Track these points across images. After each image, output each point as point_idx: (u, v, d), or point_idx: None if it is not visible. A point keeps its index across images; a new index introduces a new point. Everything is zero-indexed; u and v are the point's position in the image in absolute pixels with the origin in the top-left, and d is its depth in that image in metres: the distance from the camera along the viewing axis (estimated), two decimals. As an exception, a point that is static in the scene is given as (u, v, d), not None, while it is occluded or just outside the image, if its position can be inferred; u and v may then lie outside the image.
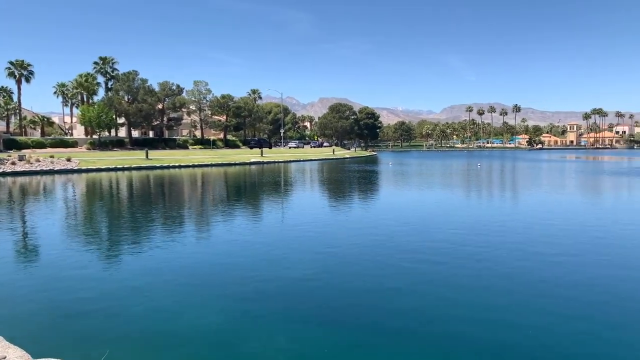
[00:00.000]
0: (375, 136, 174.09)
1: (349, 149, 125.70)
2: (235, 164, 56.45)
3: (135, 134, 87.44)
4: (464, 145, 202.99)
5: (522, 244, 12.85)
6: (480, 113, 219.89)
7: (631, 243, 13.24)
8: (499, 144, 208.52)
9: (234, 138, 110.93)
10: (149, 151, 58.59)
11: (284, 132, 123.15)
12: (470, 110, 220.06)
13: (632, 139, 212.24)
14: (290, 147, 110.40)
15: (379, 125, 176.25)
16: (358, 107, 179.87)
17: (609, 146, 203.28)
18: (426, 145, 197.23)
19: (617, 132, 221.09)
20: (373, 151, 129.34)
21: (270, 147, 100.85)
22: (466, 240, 13.38)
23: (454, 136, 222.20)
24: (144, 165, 48.77)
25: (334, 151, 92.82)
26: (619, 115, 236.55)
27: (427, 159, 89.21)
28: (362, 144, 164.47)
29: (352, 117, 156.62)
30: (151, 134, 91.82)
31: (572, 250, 12.19)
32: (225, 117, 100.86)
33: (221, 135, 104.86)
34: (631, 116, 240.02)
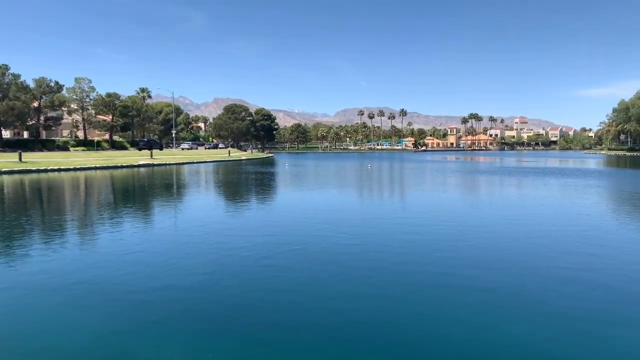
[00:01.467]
0: (271, 138, 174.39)
1: (246, 151, 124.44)
2: (122, 167, 53.05)
3: (7, 134, 78.71)
4: (357, 147, 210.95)
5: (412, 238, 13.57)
6: (371, 117, 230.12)
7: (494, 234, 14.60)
8: (387, 146, 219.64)
9: (121, 139, 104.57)
10: (23, 153, 53.04)
11: (176, 133, 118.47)
12: (362, 114, 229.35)
13: (503, 141, 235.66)
14: (183, 149, 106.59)
15: (276, 127, 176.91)
16: (254, 108, 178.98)
17: (484, 148, 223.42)
18: (321, 147, 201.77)
19: (490, 135, 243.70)
20: (270, 153, 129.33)
21: (161, 149, 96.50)
22: (357, 237, 13.80)
23: (347, 138, 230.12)
24: (17, 169, 43.97)
25: (229, 153, 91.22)
26: (492, 119, 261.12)
27: (322, 160, 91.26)
28: (259, 146, 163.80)
29: (248, 118, 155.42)
30: (26, 135, 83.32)
31: (454, 243, 13.12)
32: (111, 117, 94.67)
33: (107, 136, 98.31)
34: (502, 121, 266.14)
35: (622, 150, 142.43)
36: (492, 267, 10.77)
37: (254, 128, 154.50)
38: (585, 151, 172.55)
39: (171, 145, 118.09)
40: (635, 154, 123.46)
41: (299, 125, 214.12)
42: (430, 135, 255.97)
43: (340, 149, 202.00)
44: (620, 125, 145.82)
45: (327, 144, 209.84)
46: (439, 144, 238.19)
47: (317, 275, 10.14)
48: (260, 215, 19.10)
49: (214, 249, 12.45)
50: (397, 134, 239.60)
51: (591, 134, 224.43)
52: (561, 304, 8.25)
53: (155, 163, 58.32)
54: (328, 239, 13.81)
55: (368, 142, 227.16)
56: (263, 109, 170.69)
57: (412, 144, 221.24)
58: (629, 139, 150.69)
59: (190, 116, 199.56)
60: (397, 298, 8.68)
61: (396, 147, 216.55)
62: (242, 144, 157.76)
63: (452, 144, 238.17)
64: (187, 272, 10.29)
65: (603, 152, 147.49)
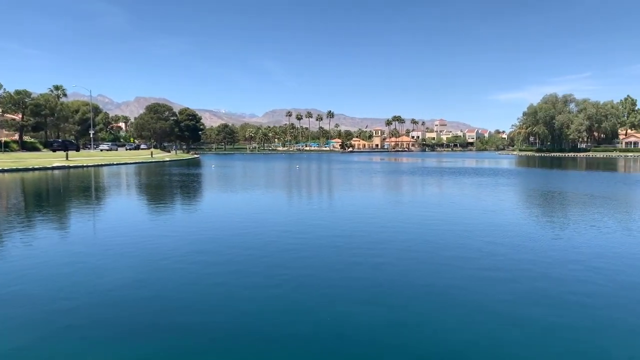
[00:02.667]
0: (197, 138, 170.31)
1: (169, 152, 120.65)
2: (34, 169, 49.63)
3: None
4: (285, 148, 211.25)
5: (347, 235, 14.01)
6: (299, 118, 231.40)
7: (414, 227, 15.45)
8: (316, 147, 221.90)
9: (32, 140, 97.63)
10: None
11: (94, 134, 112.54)
12: (290, 115, 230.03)
13: (424, 142, 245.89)
14: (102, 150, 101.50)
15: (201, 127, 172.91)
16: (178, 107, 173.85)
17: (407, 149, 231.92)
18: (249, 148, 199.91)
19: (412, 137, 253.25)
20: (195, 154, 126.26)
21: (77, 150, 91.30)
22: (288, 238, 14.03)
23: (276, 139, 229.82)
24: None
25: (152, 154, 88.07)
26: (414, 122, 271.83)
27: (250, 161, 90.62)
28: (184, 147, 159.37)
29: (172, 118, 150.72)
30: None
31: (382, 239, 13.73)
32: (21, 116, 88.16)
33: (16, 137, 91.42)
34: (423, 123, 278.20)
35: (531, 151, 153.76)
36: (403, 258, 11.44)
37: (179, 128, 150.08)
38: (499, 152, 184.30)
39: (89, 146, 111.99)
40: (543, 155, 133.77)
41: (226, 126, 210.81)
42: (357, 137, 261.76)
43: (269, 150, 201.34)
44: (529, 128, 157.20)
45: (255, 144, 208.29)
46: (364, 145, 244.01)
47: (243, 275, 10.24)
48: (183, 218, 18.77)
49: (134, 255, 12.15)
50: (325, 135, 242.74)
51: (504, 135, 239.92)
52: (471, 295, 8.98)
53: (71, 165, 55.10)
54: (259, 240, 13.92)
55: (297, 143, 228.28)
56: (188, 108, 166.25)
57: (340, 145, 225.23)
58: (537, 141, 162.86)
59: (110, 116, 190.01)
60: (332, 295, 9.01)
61: (324, 148, 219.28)
62: (165, 144, 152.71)
63: (377, 145, 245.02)
64: (104, 278, 10.00)
65: (515, 152, 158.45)
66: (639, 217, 18.59)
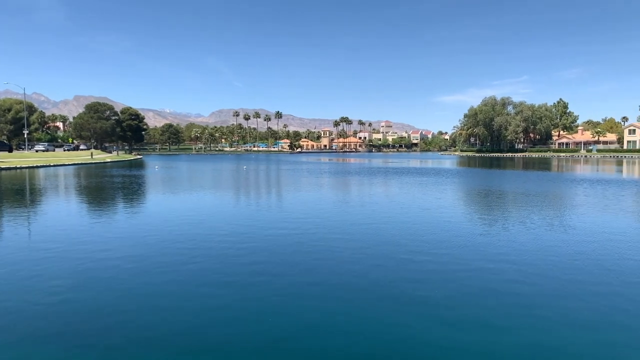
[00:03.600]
0: (140, 139, 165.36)
1: (111, 153, 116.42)
2: (-40, 171, 46.59)
3: None
4: (233, 149, 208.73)
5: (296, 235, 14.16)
6: (247, 118, 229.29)
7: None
8: (264, 148, 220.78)
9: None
10: None
11: (28, 134, 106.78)
12: (237, 115, 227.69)
13: (371, 143, 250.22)
14: (37, 151, 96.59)
15: (145, 127, 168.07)
16: (120, 107, 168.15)
17: (354, 150, 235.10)
18: (195, 148, 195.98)
19: (360, 138, 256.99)
20: (138, 155, 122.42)
21: (10, 151, 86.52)
22: (233, 241, 14.04)
23: (223, 140, 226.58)
24: None
25: (92, 155, 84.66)
26: (361, 123, 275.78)
27: (196, 162, 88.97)
28: (126, 147, 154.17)
29: (114, 117, 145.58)
30: None
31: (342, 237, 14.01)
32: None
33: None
34: (370, 124, 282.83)
35: (472, 151, 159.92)
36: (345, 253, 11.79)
37: (120, 128, 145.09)
38: (442, 152, 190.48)
39: (23, 147, 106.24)
40: (483, 155, 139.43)
41: (170, 126, 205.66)
42: (305, 138, 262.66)
43: (216, 150, 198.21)
44: (470, 129, 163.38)
45: (201, 145, 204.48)
46: (313, 145, 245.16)
47: (181, 275, 10.20)
48: (121, 222, 18.32)
49: (63, 260, 11.80)
50: (273, 136, 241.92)
51: (447, 136, 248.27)
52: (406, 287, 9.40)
53: (3, 167, 52.10)
54: (204, 245, 13.84)
55: (244, 143, 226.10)
56: (130, 108, 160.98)
57: (288, 145, 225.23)
58: (477, 142, 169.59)
59: (47, 115, 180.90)
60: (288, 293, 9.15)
61: (273, 149, 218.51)
62: (106, 145, 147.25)
63: (325, 146, 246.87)
64: (39, 285, 9.69)
65: (456, 153, 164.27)
66: (562, 214, 19.90)
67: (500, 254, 12.34)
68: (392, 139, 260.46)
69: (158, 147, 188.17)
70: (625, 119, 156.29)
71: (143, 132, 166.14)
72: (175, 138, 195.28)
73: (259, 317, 7.95)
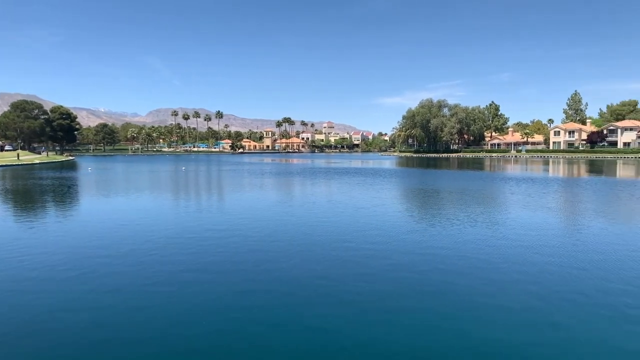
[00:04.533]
0: (72, 139, 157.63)
1: (40, 154, 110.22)
2: None
3: None
4: (171, 149, 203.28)
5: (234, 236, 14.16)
6: (186, 118, 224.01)
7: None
8: (204, 148, 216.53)
9: None
10: None
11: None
12: (176, 115, 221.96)
13: (313, 144, 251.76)
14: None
15: (77, 127, 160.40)
16: (50, 105, 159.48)
17: (297, 150, 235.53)
18: (132, 149, 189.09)
19: (302, 138, 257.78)
20: (70, 156, 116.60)
21: None
22: (169, 245, 13.88)
23: (161, 140, 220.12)
24: None
25: (18, 156, 79.85)
26: (304, 124, 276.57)
27: (132, 163, 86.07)
28: (57, 148, 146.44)
29: (43, 117, 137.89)
30: None
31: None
32: None
33: None
34: (312, 125, 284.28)
35: (410, 152, 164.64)
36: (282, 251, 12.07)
37: (50, 128, 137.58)
38: (382, 153, 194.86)
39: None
40: (420, 155, 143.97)
41: (105, 126, 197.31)
42: (247, 138, 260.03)
43: (153, 151, 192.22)
44: (408, 131, 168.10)
45: (138, 145, 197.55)
46: (255, 146, 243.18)
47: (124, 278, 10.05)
48: (50, 227, 17.62)
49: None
50: (214, 136, 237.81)
51: (387, 137, 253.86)
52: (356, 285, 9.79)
53: None
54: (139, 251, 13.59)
55: (184, 144, 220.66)
56: (61, 106, 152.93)
57: (230, 146, 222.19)
58: (415, 142, 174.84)
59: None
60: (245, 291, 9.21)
61: (213, 150, 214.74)
62: (35, 146, 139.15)
63: (268, 146, 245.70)
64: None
65: (396, 154, 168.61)
66: (486, 211, 21.15)
67: (425, 247, 13.08)
68: (335, 139, 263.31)
69: (92, 148, 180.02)
70: (551, 121, 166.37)
71: (75, 132, 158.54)
72: (110, 138, 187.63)
73: (195, 320, 8.05)
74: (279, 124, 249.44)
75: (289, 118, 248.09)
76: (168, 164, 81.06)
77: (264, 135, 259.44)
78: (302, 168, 66.42)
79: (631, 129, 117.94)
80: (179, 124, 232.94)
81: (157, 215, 20.30)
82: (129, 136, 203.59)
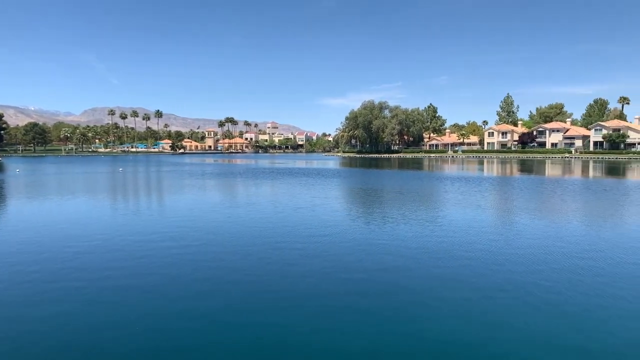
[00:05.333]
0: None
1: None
2: None
3: None
4: (108, 150, 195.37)
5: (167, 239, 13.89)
6: (124, 117, 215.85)
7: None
8: (143, 149, 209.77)
9: None
10: None
11: None
12: (113, 114, 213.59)
13: (257, 144, 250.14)
14: None
15: (4, 126, 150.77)
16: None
17: (240, 151, 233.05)
18: (65, 150, 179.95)
19: (246, 139, 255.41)
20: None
21: None
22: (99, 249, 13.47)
23: (97, 140, 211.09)
24: None
25: (-64, 157, 73.99)
26: (247, 124, 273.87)
27: (65, 164, 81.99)
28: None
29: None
30: None
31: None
32: None
33: None
34: (256, 125, 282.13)
35: (353, 152, 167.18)
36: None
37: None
38: (326, 154, 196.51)
39: None
40: (363, 156, 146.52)
41: (35, 125, 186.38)
42: (189, 138, 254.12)
43: (89, 151, 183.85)
44: (351, 132, 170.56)
45: (72, 146, 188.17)
46: (197, 146, 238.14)
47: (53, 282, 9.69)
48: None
49: None
50: (153, 136, 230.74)
51: (330, 138, 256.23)
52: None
53: None
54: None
55: (121, 144, 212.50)
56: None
57: (170, 146, 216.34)
58: (358, 143, 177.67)
59: None
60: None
61: (153, 150, 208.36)
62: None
63: (210, 146, 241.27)
64: None
65: (339, 154, 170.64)
66: (418, 208, 22.01)
67: (363, 246, 13.53)
68: (279, 140, 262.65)
69: (21, 149, 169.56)
70: (485, 122, 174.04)
71: (2, 132, 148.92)
72: (41, 138, 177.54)
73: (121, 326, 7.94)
74: (221, 124, 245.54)
75: (232, 118, 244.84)
76: (104, 165, 77.83)
77: (206, 136, 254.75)
78: (245, 169, 65.90)
79: (558, 131, 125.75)
80: (116, 123, 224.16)
81: (86, 218, 19.57)
82: (62, 136, 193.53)
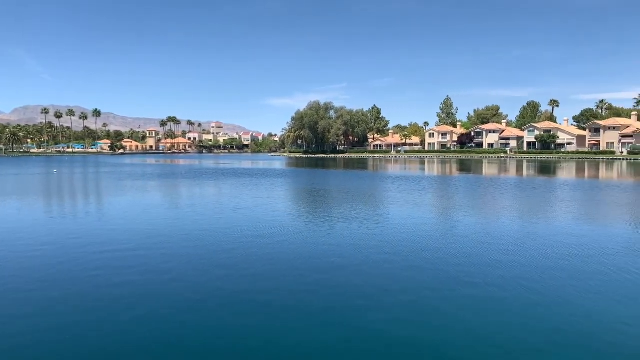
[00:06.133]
0: None
1: None
2: None
3: None
4: (42, 150, 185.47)
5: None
6: (58, 116, 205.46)
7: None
8: (80, 149, 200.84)
9: None
10: None
11: None
12: (47, 112, 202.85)
13: (201, 144, 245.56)
14: None
15: None
16: None
17: (184, 151, 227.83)
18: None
19: (189, 139, 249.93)
20: None
21: None
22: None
23: (29, 140, 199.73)
24: None
25: None
26: (190, 123, 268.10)
27: (-8, 166, 77.07)
28: None
29: None
30: None
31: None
32: None
33: None
34: (200, 125, 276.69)
35: (299, 153, 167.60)
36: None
37: None
38: (272, 154, 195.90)
39: None
40: (309, 156, 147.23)
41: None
42: (129, 138, 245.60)
43: (20, 152, 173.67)
44: (297, 132, 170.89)
45: (1, 146, 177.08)
46: (137, 146, 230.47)
47: None
48: None
49: None
50: (91, 136, 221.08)
51: (277, 138, 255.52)
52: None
53: None
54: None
55: (56, 144, 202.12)
56: None
57: (109, 146, 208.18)
58: (304, 144, 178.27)
59: None
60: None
61: (90, 150, 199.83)
62: None
63: (151, 147, 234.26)
64: None
65: (285, 154, 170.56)
66: (361, 208, 22.58)
67: (302, 245, 13.83)
68: (224, 140, 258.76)
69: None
70: (426, 123, 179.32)
71: None
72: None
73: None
74: (163, 124, 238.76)
75: (175, 117, 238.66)
76: (37, 167, 73.81)
77: (147, 135, 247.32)
78: (188, 169, 64.63)
79: (494, 132, 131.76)
80: (50, 122, 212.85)
81: (14, 222, 18.67)
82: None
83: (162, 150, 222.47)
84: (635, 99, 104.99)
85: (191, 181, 41.36)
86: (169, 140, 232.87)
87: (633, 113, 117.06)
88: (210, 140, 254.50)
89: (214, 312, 8.45)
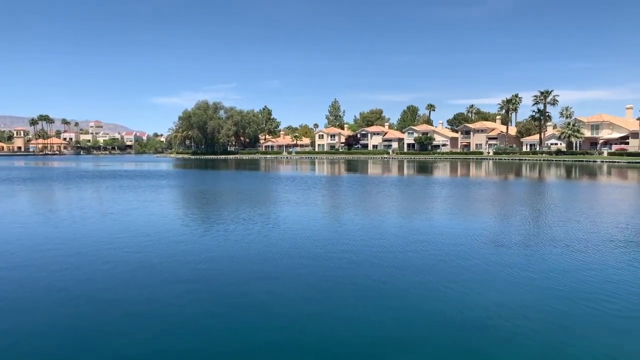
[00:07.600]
0: None
1: None
2: None
3: None
4: None
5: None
6: None
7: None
8: None
9: None
10: None
11: None
12: None
13: (78, 145, 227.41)
14: None
15: None
16: None
17: (58, 152, 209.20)
18: None
19: (64, 139, 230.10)
20: None
21: None
22: None
23: None
24: None
25: None
26: (66, 122, 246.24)
27: None
28: None
29: None
30: None
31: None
32: None
33: None
34: (76, 124, 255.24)
35: (188, 153, 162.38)
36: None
37: None
38: (158, 155, 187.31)
39: None
40: (198, 157, 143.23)
41: None
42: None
43: None
44: (185, 132, 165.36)
45: None
46: (3, 147, 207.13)
47: None
48: None
49: None
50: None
51: (163, 139, 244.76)
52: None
53: None
54: None
55: None
56: None
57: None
58: (192, 144, 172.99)
59: None
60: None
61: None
62: None
63: (19, 148, 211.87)
64: None
65: (172, 155, 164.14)
66: (250, 209, 22.76)
67: (181, 251, 13.62)
68: (104, 140, 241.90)
69: None
70: (316, 125, 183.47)
71: None
72: None
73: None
74: (34, 123, 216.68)
75: (47, 116, 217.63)
76: None
77: (15, 135, 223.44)
78: (62, 172, 59.57)
79: (378, 134, 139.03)
80: None
81: None
82: None
83: (33, 152, 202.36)
84: (499, 104, 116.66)
85: (60, 184, 38.21)
86: (40, 141, 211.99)
87: (497, 117, 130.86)
88: (89, 141, 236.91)
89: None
